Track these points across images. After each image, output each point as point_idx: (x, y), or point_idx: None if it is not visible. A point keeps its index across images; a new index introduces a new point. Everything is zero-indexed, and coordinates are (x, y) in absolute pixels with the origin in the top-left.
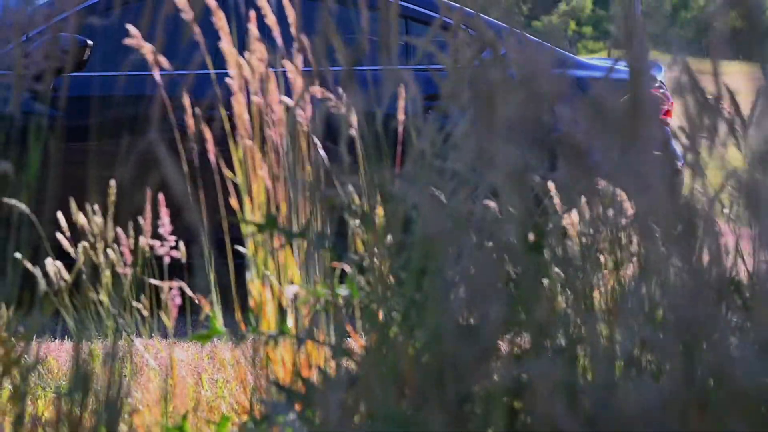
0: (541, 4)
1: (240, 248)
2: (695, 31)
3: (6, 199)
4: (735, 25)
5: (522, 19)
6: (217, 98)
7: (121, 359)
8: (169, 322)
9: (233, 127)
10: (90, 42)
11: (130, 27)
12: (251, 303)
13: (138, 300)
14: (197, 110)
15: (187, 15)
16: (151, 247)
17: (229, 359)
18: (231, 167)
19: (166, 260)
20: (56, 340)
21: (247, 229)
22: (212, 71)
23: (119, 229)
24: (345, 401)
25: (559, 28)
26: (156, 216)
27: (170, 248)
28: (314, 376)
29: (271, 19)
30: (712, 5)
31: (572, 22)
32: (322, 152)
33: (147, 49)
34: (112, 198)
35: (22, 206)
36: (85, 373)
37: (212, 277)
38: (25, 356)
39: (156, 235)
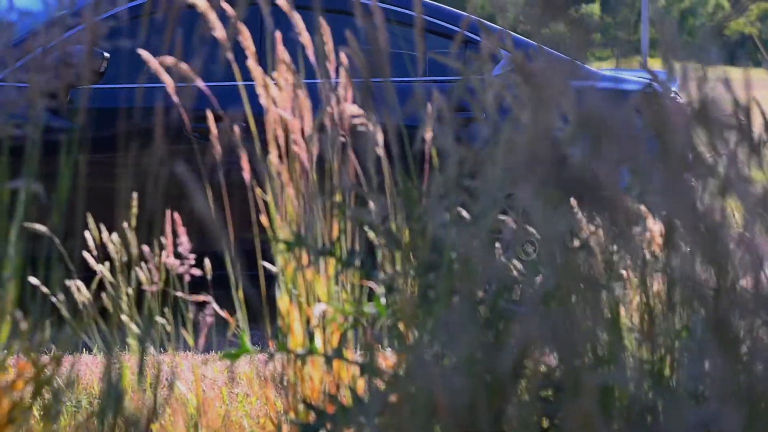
0: (549, 11)
1: (267, 264)
2: (703, 38)
3: (29, 224)
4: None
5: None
6: (238, 113)
7: (148, 377)
8: (191, 338)
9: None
10: (106, 54)
11: (143, 51)
12: (280, 321)
13: (163, 316)
14: (226, 125)
15: (219, 33)
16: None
17: (247, 372)
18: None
19: (187, 278)
20: (78, 354)
21: (276, 247)
22: (218, 84)
23: (145, 247)
24: (377, 425)
25: (567, 36)
26: (176, 234)
27: (190, 266)
28: (343, 395)
29: (305, 37)
30: (720, 12)
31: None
32: (351, 170)
33: (160, 69)
34: (134, 212)
35: (45, 230)
36: (117, 397)
37: (240, 293)
38: (56, 377)
39: (178, 253)
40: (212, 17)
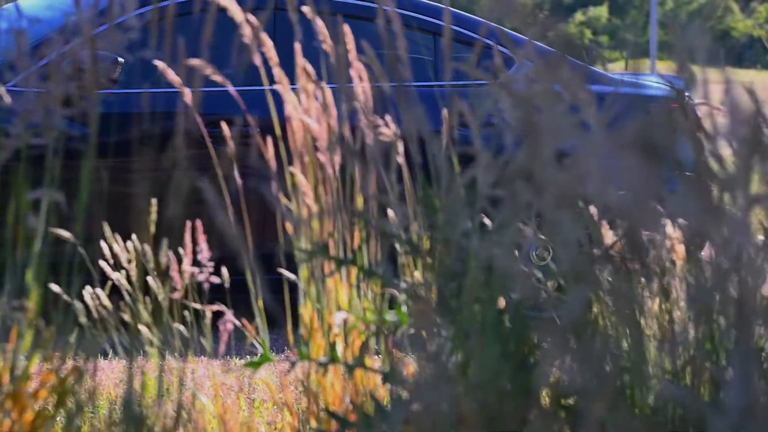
0: (557, 13)
1: (285, 272)
2: (713, 39)
3: (55, 230)
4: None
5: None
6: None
7: (166, 385)
8: (209, 345)
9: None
10: (121, 59)
11: (159, 63)
12: (302, 329)
13: (183, 322)
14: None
15: (248, 38)
16: (192, 273)
17: (264, 378)
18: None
19: (206, 285)
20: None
21: (299, 256)
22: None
23: (169, 255)
24: None
25: (575, 38)
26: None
27: (210, 274)
28: (365, 403)
29: (328, 44)
30: (729, 14)
31: (588, 31)
32: (373, 179)
33: (173, 77)
34: (153, 219)
35: (71, 237)
36: (139, 415)
37: (260, 302)
38: (78, 388)
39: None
40: (243, 23)
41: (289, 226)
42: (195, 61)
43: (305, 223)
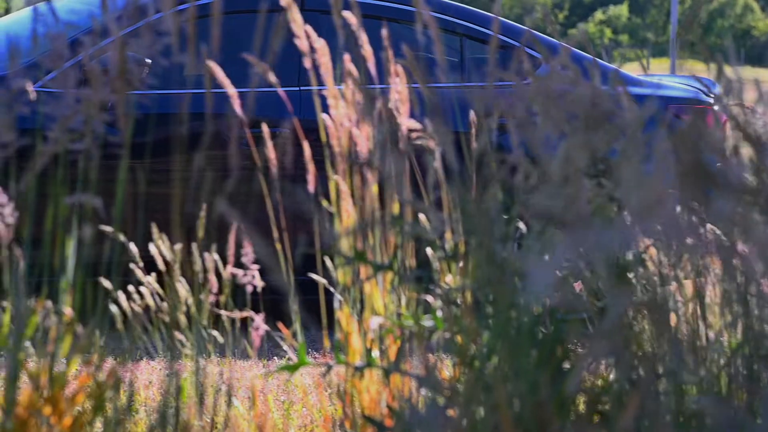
0: (577, 12)
1: (316, 277)
2: (732, 39)
3: (103, 227)
4: None
5: (558, 27)
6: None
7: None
8: (250, 349)
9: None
10: (148, 60)
11: (213, 65)
12: (338, 333)
13: (218, 326)
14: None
15: (302, 44)
16: (234, 275)
17: (299, 381)
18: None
19: (249, 288)
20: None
21: (336, 261)
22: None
23: (207, 257)
24: None
25: (595, 37)
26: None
27: (252, 276)
28: (400, 407)
29: (367, 50)
30: (749, 14)
31: (608, 30)
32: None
33: (226, 81)
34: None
35: (120, 236)
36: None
37: (296, 306)
38: (116, 394)
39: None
40: (301, 26)
41: (327, 231)
42: (252, 58)
43: (344, 228)
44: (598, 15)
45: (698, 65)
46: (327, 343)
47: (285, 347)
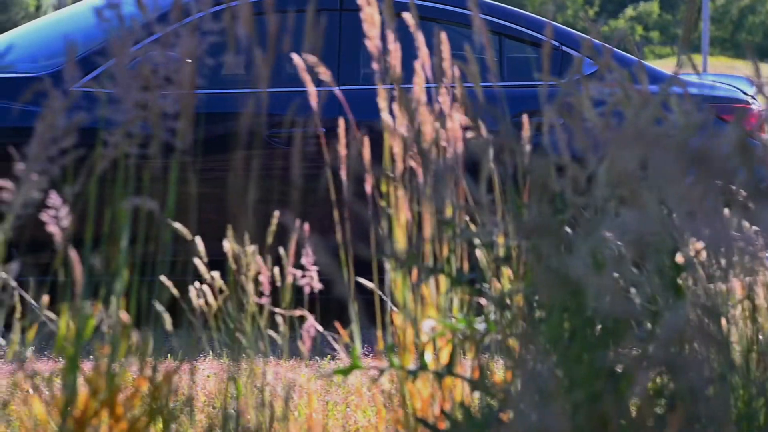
0: (608, 8)
1: (364, 281)
2: (763, 35)
3: (171, 222)
4: None
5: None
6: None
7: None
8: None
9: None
10: (189, 60)
11: (295, 56)
12: (392, 335)
13: (275, 328)
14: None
15: (371, 44)
16: (294, 277)
17: (337, 381)
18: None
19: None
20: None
21: (390, 264)
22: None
23: (259, 259)
24: None
25: (626, 33)
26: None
27: (311, 278)
28: (453, 410)
29: (423, 53)
30: None
31: (639, 26)
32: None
33: (307, 77)
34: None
35: (185, 231)
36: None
37: (354, 308)
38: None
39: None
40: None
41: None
42: (311, 59)
43: (399, 231)
44: (629, 11)
45: (730, 62)
46: (381, 345)
47: (337, 348)
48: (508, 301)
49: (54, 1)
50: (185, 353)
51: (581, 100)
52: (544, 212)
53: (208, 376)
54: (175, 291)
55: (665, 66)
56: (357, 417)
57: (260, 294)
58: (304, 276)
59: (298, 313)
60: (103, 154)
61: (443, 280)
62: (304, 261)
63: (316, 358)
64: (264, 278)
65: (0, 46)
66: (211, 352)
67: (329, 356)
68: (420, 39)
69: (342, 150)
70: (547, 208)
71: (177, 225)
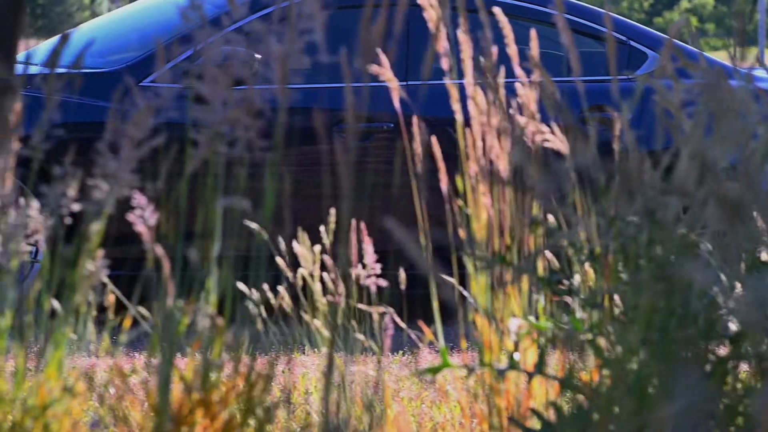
0: (663, 0)
1: (449, 279)
2: None
3: (249, 223)
4: None
5: (643, 15)
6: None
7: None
8: (376, 347)
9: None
10: (258, 55)
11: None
12: (475, 334)
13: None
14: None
15: (439, 44)
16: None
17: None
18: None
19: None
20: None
21: (472, 263)
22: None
23: (327, 257)
24: None
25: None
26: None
27: (376, 276)
28: (545, 410)
29: (513, 50)
30: None
31: (694, 18)
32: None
33: (389, 75)
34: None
35: (263, 234)
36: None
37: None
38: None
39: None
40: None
41: (462, 232)
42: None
43: (480, 229)
44: (684, 3)
45: None
46: (464, 344)
47: (421, 345)
48: (597, 301)
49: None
50: (279, 350)
51: (667, 96)
52: (642, 207)
53: (303, 375)
54: (255, 290)
55: (721, 58)
56: (433, 413)
57: (329, 292)
58: (376, 275)
59: (381, 309)
60: (193, 155)
61: (526, 279)
62: (367, 259)
63: (388, 353)
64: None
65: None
66: (305, 347)
67: (401, 352)
68: (509, 35)
69: (416, 147)
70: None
71: (257, 224)
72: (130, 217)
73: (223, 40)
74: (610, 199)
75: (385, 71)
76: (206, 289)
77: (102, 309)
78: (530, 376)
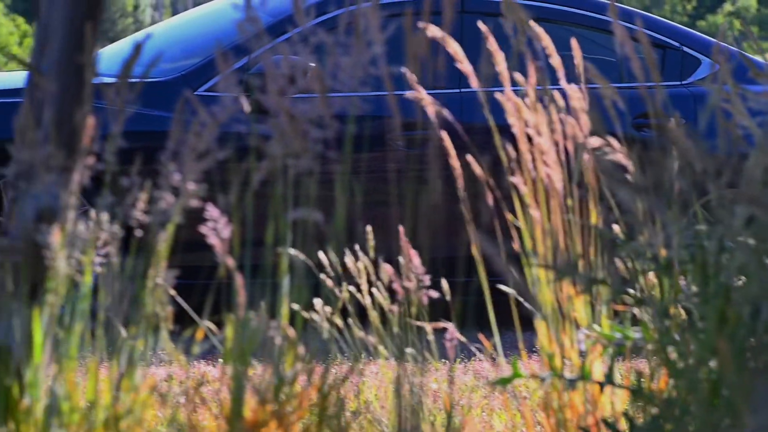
0: (705, 3)
1: (507, 289)
2: None
3: (281, 249)
4: None
5: (686, 18)
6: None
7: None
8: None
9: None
10: (311, 64)
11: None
12: (538, 344)
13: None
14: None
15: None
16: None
17: (469, 383)
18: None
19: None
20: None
21: (535, 275)
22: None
23: (386, 268)
24: None
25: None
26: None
27: (426, 288)
28: (617, 420)
29: (556, 60)
30: None
31: (737, 21)
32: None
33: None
34: (372, 242)
35: (299, 255)
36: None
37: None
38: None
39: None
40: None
41: (516, 245)
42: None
43: (540, 240)
44: (727, 6)
45: None
46: (525, 356)
47: (481, 356)
48: (668, 311)
49: (152, 1)
50: (352, 362)
51: (736, 103)
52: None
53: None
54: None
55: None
56: (493, 422)
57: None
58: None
59: (441, 325)
60: (259, 167)
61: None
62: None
63: (443, 360)
64: (397, 286)
65: (119, 53)
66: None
67: (458, 360)
68: (548, 43)
69: (455, 164)
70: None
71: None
72: (203, 229)
73: (280, 49)
74: (679, 207)
75: (413, 83)
76: (278, 299)
77: (176, 319)
78: (601, 386)
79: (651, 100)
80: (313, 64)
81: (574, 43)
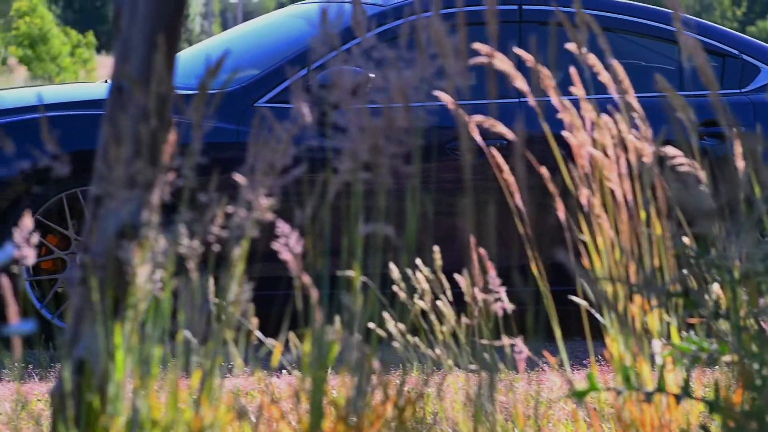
0: (755, 9)
1: (576, 298)
2: None
3: (341, 273)
4: None
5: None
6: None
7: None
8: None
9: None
10: (371, 75)
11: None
12: (606, 355)
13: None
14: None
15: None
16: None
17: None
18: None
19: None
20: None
21: (604, 288)
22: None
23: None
24: None
25: None
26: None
27: (498, 300)
28: None
29: (605, 77)
30: None
31: None
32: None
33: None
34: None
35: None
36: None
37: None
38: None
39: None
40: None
41: (585, 260)
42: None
43: (606, 253)
44: None
45: None
46: (594, 369)
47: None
48: (744, 323)
49: (201, 10)
50: (426, 374)
51: None
52: None
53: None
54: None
55: None
56: None
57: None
58: (495, 300)
59: (512, 341)
60: (333, 181)
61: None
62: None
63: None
64: (469, 298)
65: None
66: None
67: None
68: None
69: (508, 177)
70: None
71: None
72: (276, 245)
73: (342, 59)
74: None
75: (443, 94)
76: (352, 314)
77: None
78: (678, 398)
79: (720, 109)
80: (384, 76)
81: (619, 69)
